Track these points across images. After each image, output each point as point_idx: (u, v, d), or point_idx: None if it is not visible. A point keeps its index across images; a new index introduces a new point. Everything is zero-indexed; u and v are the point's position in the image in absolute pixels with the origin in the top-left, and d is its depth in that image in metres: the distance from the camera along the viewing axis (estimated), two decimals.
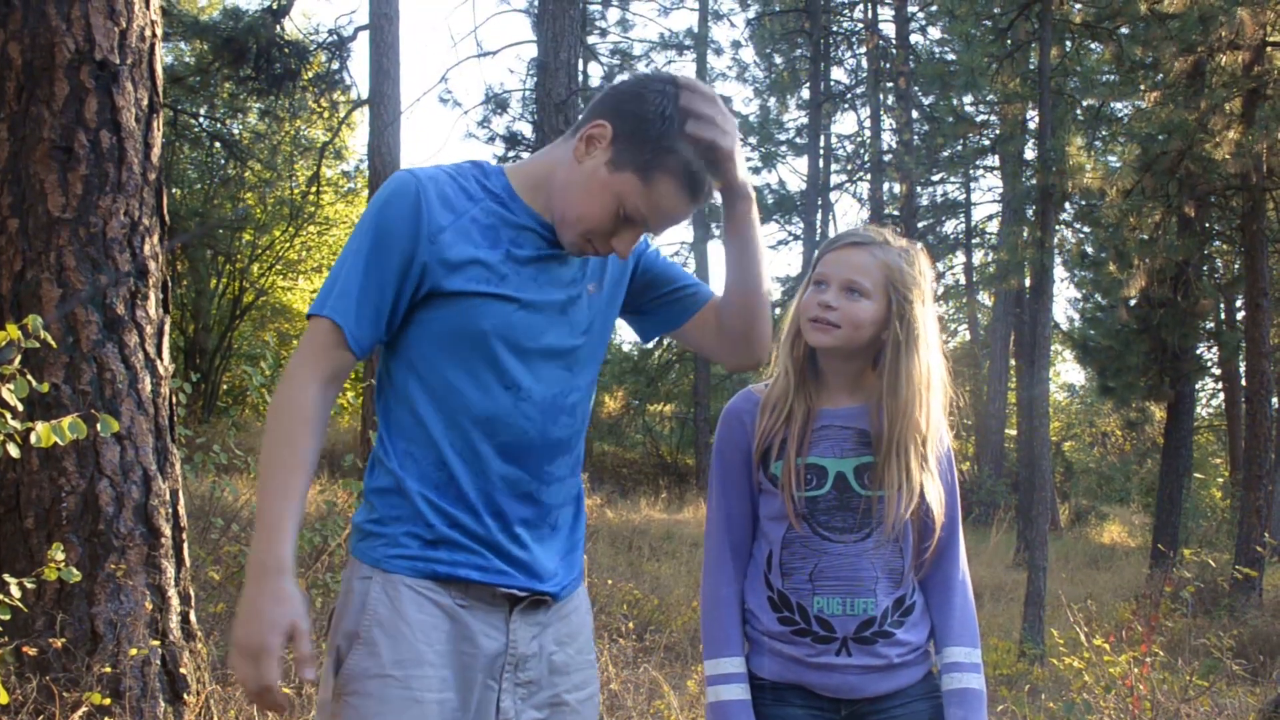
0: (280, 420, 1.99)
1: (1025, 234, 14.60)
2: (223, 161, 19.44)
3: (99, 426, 3.21)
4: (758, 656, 2.47)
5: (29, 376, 2.99)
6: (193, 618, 4.42)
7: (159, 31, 4.43)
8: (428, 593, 2.03)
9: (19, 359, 2.92)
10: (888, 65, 26.68)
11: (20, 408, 2.99)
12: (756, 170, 28.92)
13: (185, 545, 4.39)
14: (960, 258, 32.53)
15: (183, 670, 4.24)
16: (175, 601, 4.28)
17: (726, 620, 2.47)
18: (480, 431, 2.06)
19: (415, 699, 1.98)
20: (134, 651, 4.03)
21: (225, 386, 20.24)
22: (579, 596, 2.26)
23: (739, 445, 2.49)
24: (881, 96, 27.66)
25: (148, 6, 4.34)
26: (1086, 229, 19.70)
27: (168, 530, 4.26)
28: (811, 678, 2.40)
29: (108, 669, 3.94)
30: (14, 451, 2.97)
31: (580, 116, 2.14)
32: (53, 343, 3.23)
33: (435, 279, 2.03)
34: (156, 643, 4.13)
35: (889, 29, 27.58)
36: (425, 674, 1.99)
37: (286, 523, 1.93)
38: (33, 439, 2.95)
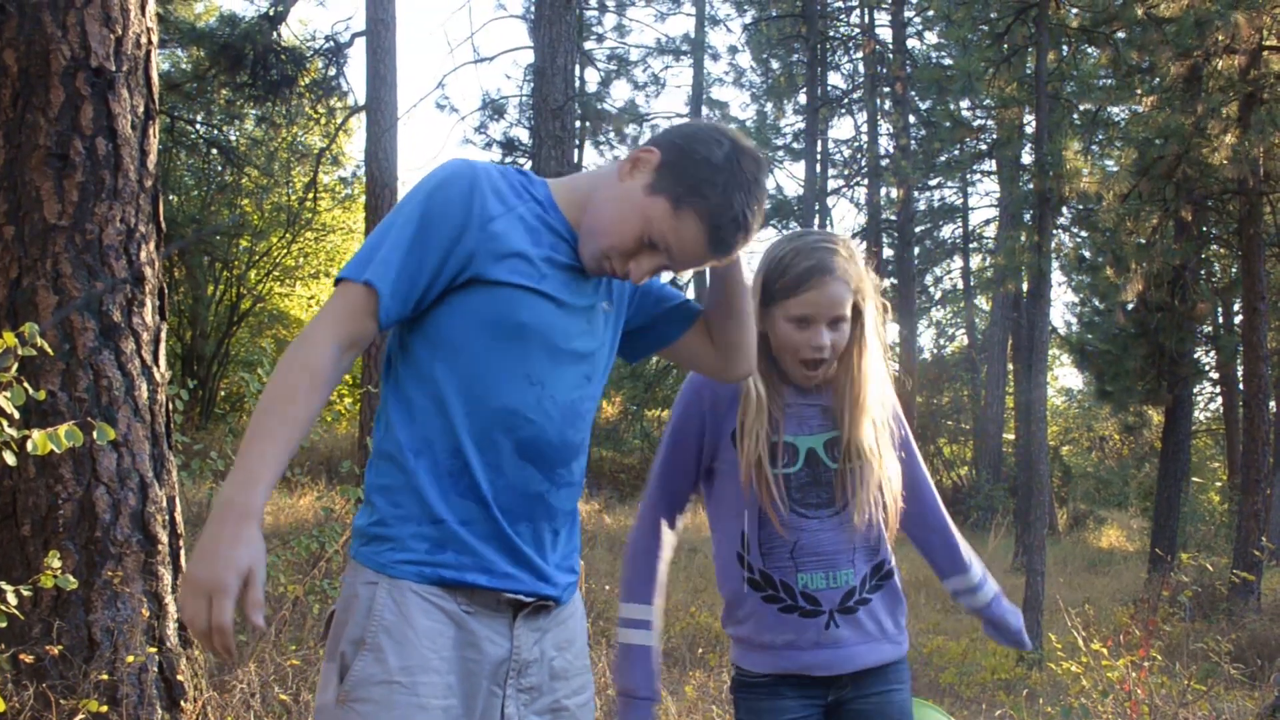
0: (288, 372, 1.96)
1: (1022, 238, 14.60)
2: (219, 168, 19.43)
3: (95, 434, 3.21)
4: (749, 654, 2.57)
5: (25, 384, 2.99)
6: None
7: (155, 38, 4.43)
8: (434, 599, 2.03)
9: (15, 366, 2.92)
10: (884, 70, 26.68)
11: (16, 415, 2.99)
12: None
13: (182, 552, 4.39)
14: (958, 262, 32.61)
15: (179, 677, 4.23)
16: (172, 608, 4.27)
17: (645, 570, 2.62)
18: (501, 425, 2.06)
19: (422, 705, 1.98)
20: (131, 659, 4.02)
21: (222, 393, 20.22)
22: (575, 602, 2.27)
23: (700, 411, 2.60)
24: (878, 101, 27.67)
25: (143, 13, 4.34)
26: (1084, 233, 19.71)
27: (164, 537, 4.26)
28: (805, 660, 2.50)
29: (104, 676, 3.94)
30: (10, 459, 2.97)
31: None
32: (49, 350, 3.23)
33: (480, 266, 2.05)
34: (153, 650, 4.12)
35: (886, 34, 27.59)
36: (431, 680, 1.99)
37: (267, 471, 1.89)
38: (29, 446, 2.95)
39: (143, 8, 4.34)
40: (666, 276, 2.41)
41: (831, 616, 2.49)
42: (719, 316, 2.34)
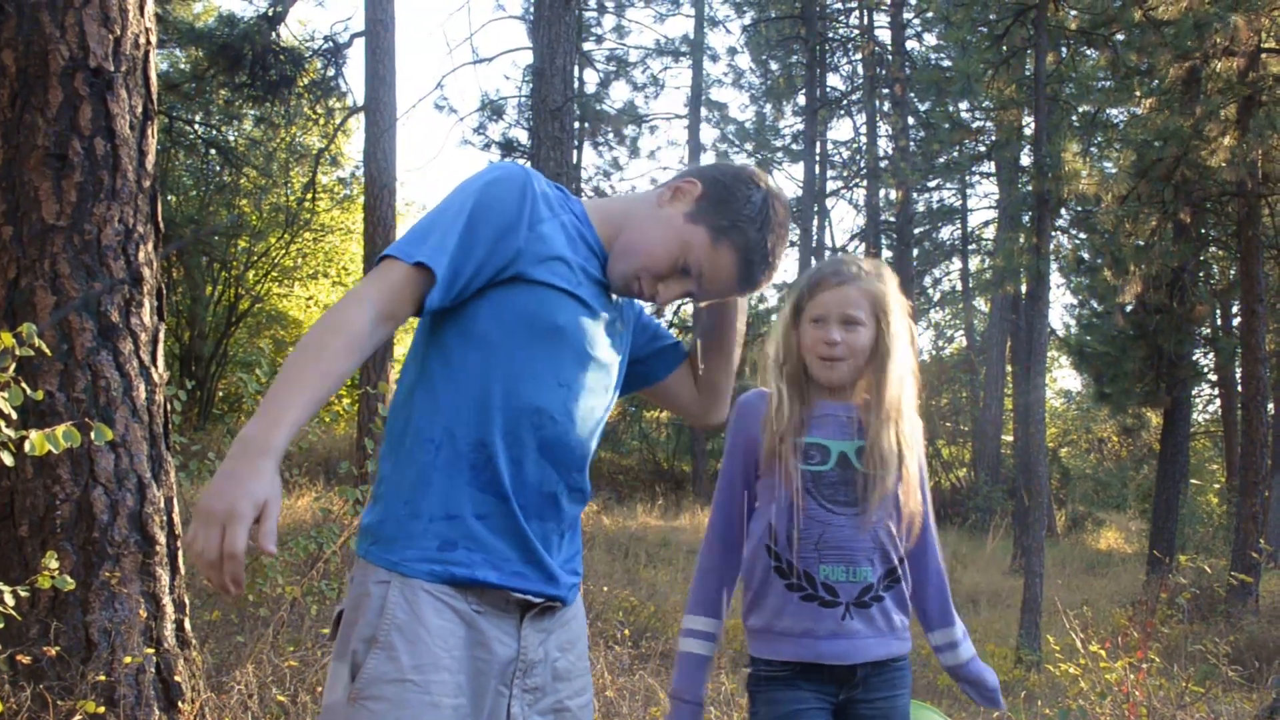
0: (325, 330, 1.96)
1: (1021, 240, 14.61)
2: (218, 168, 19.43)
3: (93, 434, 3.20)
4: (769, 643, 2.71)
5: (23, 384, 2.98)
6: (187, 625, 4.41)
7: (153, 39, 4.43)
8: (445, 598, 2.04)
9: (13, 367, 2.91)
10: (883, 71, 26.72)
11: (14, 415, 2.98)
12: None
13: (180, 553, 4.38)
14: (956, 264, 32.63)
15: (177, 678, 4.23)
16: (170, 609, 4.27)
17: (703, 586, 2.81)
18: (529, 422, 2.10)
19: (434, 703, 1.99)
20: (128, 659, 4.02)
21: (220, 393, 20.21)
22: (578, 605, 2.30)
23: (748, 435, 2.78)
24: (877, 103, 27.70)
25: (142, 14, 4.34)
26: (1082, 235, 19.74)
27: (162, 538, 4.25)
28: (821, 649, 2.65)
29: (102, 677, 3.94)
30: (8, 459, 2.96)
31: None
32: (47, 350, 3.23)
33: (523, 265, 2.10)
34: (151, 651, 4.12)
35: (885, 35, 27.63)
36: (443, 679, 2.01)
37: (290, 415, 1.88)
38: (26, 447, 2.95)
39: (141, 8, 4.34)
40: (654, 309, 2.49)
41: (847, 609, 2.64)
42: (710, 353, 2.49)
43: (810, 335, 2.70)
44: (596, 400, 2.20)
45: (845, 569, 2.64)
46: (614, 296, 2.27)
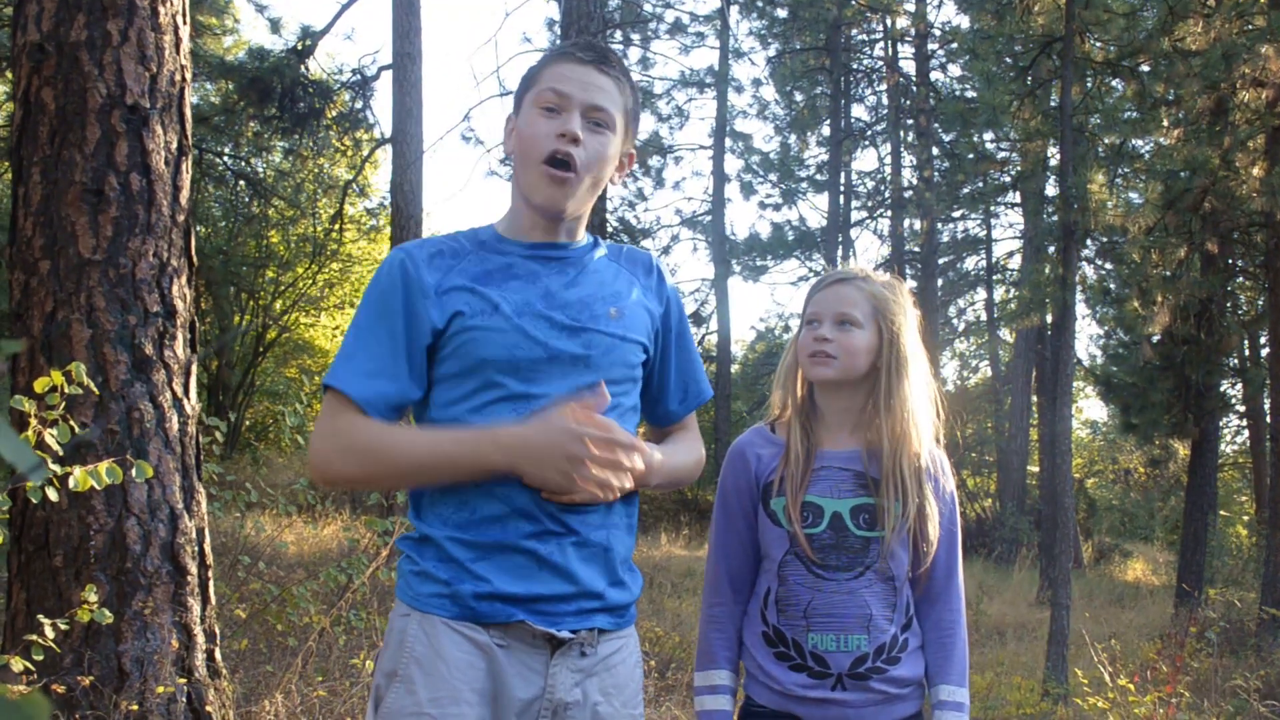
0: (365, 459, 2.03)
1: (1047, 270, 14.57)
2: (247, 199, 19.59)
3: (134, 472, 3.24)
4: (760, 688, 2.55)
5: (71, 422, 3.02)
6: (218, 655, 4.44)
7: (188, 75, 4.50)
8: (465, 631, 2.03)
9: (63, 405, 2.95)
10: (908, 102, 26.76)
11: (60, 452, 3.02)
12: (777, 207, 29.01)
13: (211, 583, 4.42)
14: (981, 294, 32.51)
15: (208, 708, 4.25)
16: (201, 639, 4.30)
17: (716, 638, 2.60)
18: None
19: None
20: (160, 689, 4.05)
21: (248, 423, 20.31)
22: (626, 649, 2.21)
23: (742, 479, 2.60)
24: (902, 133, 27.73)
25: (178, 52, 4.41)
26: (1109, 266, 19.70)
27: (194, 568, 4.29)
28: (807, 710, 2.47)
29: (134, 707, 3.96)
30: (53, 496, 2.99)
31: None
32: (94, 388, 3.26)
33: (438, 324, 2.08)
34: (182, 680, 4.15)
35: (909, 66, 27.69)
36: (463, 712, 1.99)
37: (445, 436, 2.03)
38: (71, 483, 2.98)
39: (177, 46, 4.41)
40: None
41: (839, 680, 2.45)
42: None
43: (803, 337, 2.55)
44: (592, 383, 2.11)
45: (835, 637, 2.44)
46: (568, 242, 2.22)
